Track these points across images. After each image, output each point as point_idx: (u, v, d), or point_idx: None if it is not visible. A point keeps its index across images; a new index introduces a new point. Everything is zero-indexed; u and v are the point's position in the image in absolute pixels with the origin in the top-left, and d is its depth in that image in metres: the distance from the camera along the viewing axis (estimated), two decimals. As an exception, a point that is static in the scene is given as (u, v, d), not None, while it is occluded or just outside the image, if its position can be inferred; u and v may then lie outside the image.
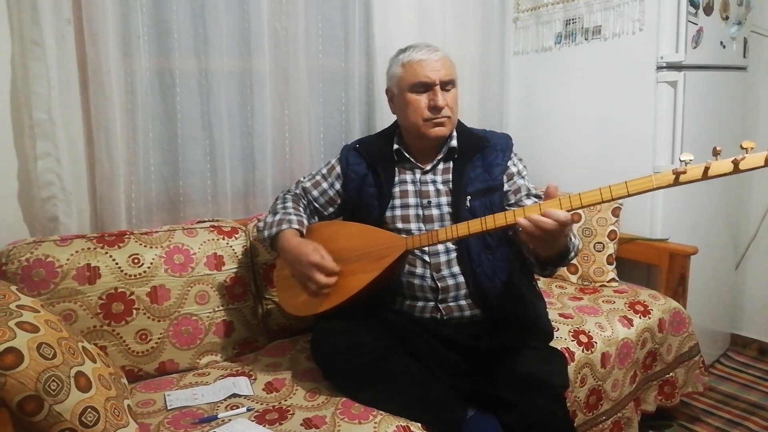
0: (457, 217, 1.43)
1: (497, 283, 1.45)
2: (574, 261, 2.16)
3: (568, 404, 1.50)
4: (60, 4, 1.50)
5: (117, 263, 1.50)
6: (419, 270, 1.46)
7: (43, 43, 1.47)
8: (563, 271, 2.20)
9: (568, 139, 2.43)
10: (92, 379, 1.08)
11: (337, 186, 1.60)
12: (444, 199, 1.48)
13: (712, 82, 2.22)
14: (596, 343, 1.70)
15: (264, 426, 1.25)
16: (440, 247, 1.45)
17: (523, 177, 1.52)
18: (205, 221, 1.76)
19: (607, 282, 2.12)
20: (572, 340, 1.68)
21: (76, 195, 1.60)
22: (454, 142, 1.50)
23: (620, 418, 1.77)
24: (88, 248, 1.49)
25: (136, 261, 1.53)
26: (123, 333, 1.49)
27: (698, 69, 2.12)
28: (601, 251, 2.14)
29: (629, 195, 1.08)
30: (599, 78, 2.29)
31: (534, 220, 1.10)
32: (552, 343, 1.54)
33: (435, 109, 1.43)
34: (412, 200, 1.50)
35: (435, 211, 1.48)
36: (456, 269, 1.45)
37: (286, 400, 1.37)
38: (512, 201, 1.49)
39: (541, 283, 2.07)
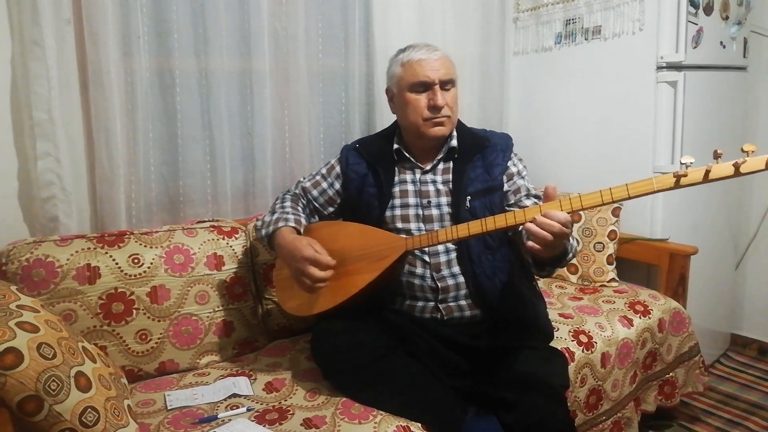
0: (456, 217, 1.43)
1: (497, 284, 1.45)
2: (574, 261, 2.16)
3: (568, 404, 1.50)
4: (60, 4, 1.50)
5: (117, 263, 1.50)
6: (419, 270, 1.46)
7: (43, 43, 1.47)
8: (563, 271, 2.20)
9: (568, 139, 2.43)
10: (92, 379, 1.08)
11: (337, 186, 1.60)
12: (444, 200, 1.48)
13: (712, 82, 2.22)
14: (596, 343, 1.70)
15: (264, 426, 1.25)
16: (440, 248, 1.45)
17: (522, 177, 1.52)
18: (205, 221, 1.76)
19: (607, 282, 2.12)
20: (572, 340, 1.68)
21: (76, 195, 1.60)
22: (454, 142, 1.50)
23: (620, 418, 1.77)
24: (88, 248, 1.49)
25: (136, 261, 1.53)
26: (123, 333, 1.49)
27: (698, 69, 2.12)
28: (601, 251, 2.14)
29: (630, 197, 1.08)
30: (599, 78, 2.29)
31: (540, 223, 1.09)
32: (552, 343, 1.54)
33: (434, 108, 1.43)
34: (412, 200, 1.50)
35: (435, 211, 1.48)
36: (456, 269, 1.45)
37: (286, 400, 1.37)
38: (512, 201, 1.49)
39: (541, 283, 2.07)
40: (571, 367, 1.59)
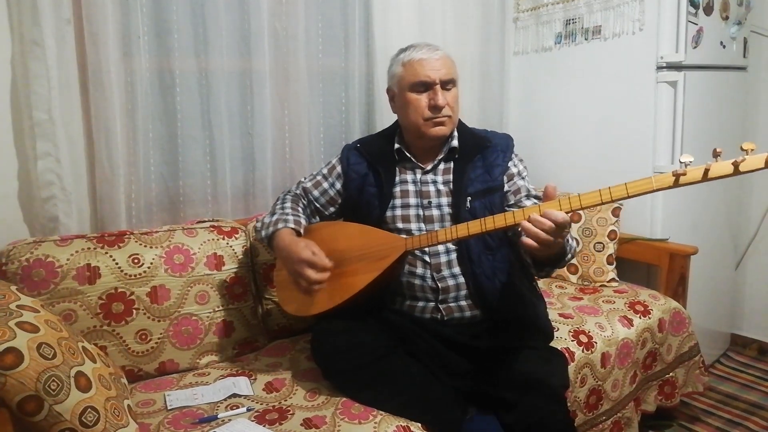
0: (457, 217, 1.43)
1: (497, 284, 1.45)
2: (574, 261, 2.16)
3: (568, 404, 1.50)
4: (60, 4, 1.50)
5: (117, 263, 1.50)
6: (419, 270, 1.46)
7: (43, 43, 1.47)
8: (563, 271, 2.20)
9: (568, 139, 2.43)
10: (92, 379, 1.08)
11: (338, 186, 1.60)
12: (444, 200, 1.48)
13: (712, 82, 2.22)
14: (596, 343, 1.70)
15: (264, 426, 1.25)
16: (440, 248, 1.45)
17: (523, 178, 1.52)
18: (205, 221, 1.76)
19: (607, 282, 2.12)
20: (572, 340, 1.67)
21: (76, 195, 1.60)
22: (455, 142, 1.50)
23: (620, 418, 1.77)
24: (88, 248, 1.49)
25: (136, 261, 1.53)
26: (123, 333, 1.49)
27: (698, 69, 2.12)
28: (601, 251, 2.13)
29: (629, 196, 1.08)
30: (599, 78, 2.29)
31: (533, 220, 1.10)
32: (552, 343, 1.54)
33: (435, 108, 1.43)
34: (412, 200, 1.49)
35: (435, 212, 1.48)
36: (456, 270, 1.45)
37: (286, 400, 1.37)
38: (512, 202, 1.49)
39: (541, 283, 2.07)
40: (571, 367, 1.59)
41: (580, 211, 2.15)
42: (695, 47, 2.09)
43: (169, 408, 1.34)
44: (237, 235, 1.72)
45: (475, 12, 2.42)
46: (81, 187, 1.61)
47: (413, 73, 1.44)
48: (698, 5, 2.07)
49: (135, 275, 1.51)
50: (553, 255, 1.22)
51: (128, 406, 1.18)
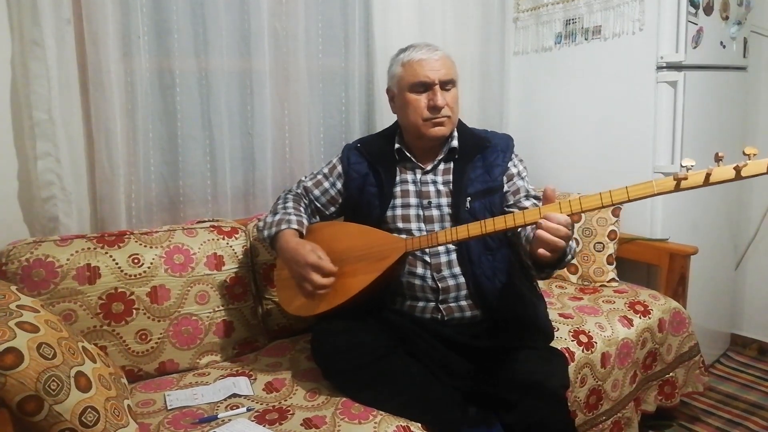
0: (456, 217, 1.43)
1: (497, 284, 1.45)
2: (574, 261, 2.16)
3: (569, 404, 1.50)
4: (60, 4, 1.50)
5: (117, 263, 1.50)
6: (420, 270, 1.46)
7: (43, 43, 1.47)
8: (563, 271, 2.20)
9: (568, 139, 2.43)
10: (92, 379, 1.08)
11: (339, 185, 1.60)
12: (444, 200, 1.48)
13: (712, 82, 2.22)
14: (596, 343, 1.70)
15: (264, 426, 1.25)
16: (441, 248, 1.45)
17: (522, 178, 1.52)
18: (205, 221, 1.76)
19: (607, 282, 2.12)
20: (572, 340, 1.67)
21: (76, 195, 1.59)
22: (454, 143, 1.50)
23: (620, 418, 1.77)
24: (88, 248, 1.49)
25: (136, 261, 1.53)
26: (123, 333, 1.49)
27: (698, 69, 2.12)
28: (601, 251, 2.13)
29: (630, 200, 1.08)
30: (599, 78, 2.29)
31: (548, 228, 1.09)
32: (552, 343, 1.54)
33: (434, 108, 1.43)
34: (413, 200, 1.50)
35: (435, 212, 1.48)
36: (456, 270, 1.45)
37: (286, 400, 1.37)
38: (511, 202, 1.48)
39: (541, 283, 2.06)
40: (571, 367, 1.59)
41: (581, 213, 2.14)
42: (695, 47, 2.09)
43: (169, 408, 1.34)
44: (237, 235, 1.72)
45: (475, 12, 2.42)
46: (81, 187, 1.61)
47: (413, 74, 1.44)
48: (698, 5, 2.07)
49: (135, 275, 1.51)
50: (555, 257, 1.22)
51: (128, 406, 1.18)
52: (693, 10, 2.05)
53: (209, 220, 1.77)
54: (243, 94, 1.92)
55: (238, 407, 1.34)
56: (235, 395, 1.40)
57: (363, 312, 1.43)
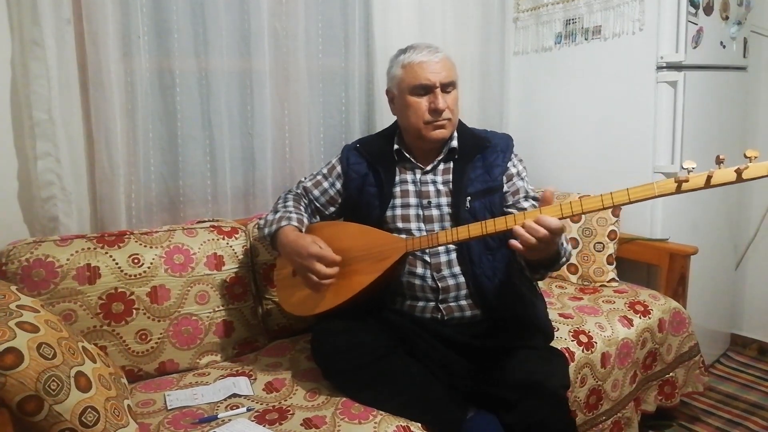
0: (456, 217, 1.43)
1: (497, 284, 1.45)
2: (574, 261, 2.16)
3: (569, 404, 1.50)
4: (60, 4, 1.50)
5: (117, 263, 1.50)
6: (420, 270, 1.46)
7: (43, 43, 1.47)
8: (563, 271, 2.20)
9: (568, 139, 2.43)
10: (92, 379, 1.08)
11: (338, 185, 1.60)
12: (444, 200, 1.48)
13: (712, 82, 2.22)
14: (596, 343, 1.70)
15: (264, 426, 1.25)
16: (441, 248, 1.45)
17: (522, 178, 1.52)
18: (205, 221, 1.76)
19: (607, 282, 2.12)
20: (572, 340, 1.67)
21: (76, 195, 1.60)
22: (454, 143, 1.50)
23: (620, 418, 1.77)
24: (88, 248, 1.49)
25: (136, 261, 1.53)
26: (123, 333, 1.49)
27: (698, 69, 2.11)
28: (601, 251, 2.13)
29: (630, 202, 1.08)
30: (599, 78, 2.29)
31: (527, 227, 1.10)
32: (552, 343, 1.54)
33: (435, 112, 1.42)
34: (412, 200, 1.49)
35: (435, 212, 1.48)
36: (456, 269, 1.45)
37: (286, 400, 1.37)
38: (510, 202, 1.49)
39: (542, 283, 2.06)
40: (571, 367, 1.59)
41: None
42: (695, 47, 2.09)
43: (169, 408, 1.34)
44: (237, 235, 1.72)
45: (475, 12, 2.42)
46: (81, 187, 1.61)
47: (413, 76, 1.43)
48: (698, 5, 2.07)
49: (135, 275, 1.51)
50: (546, 259, 1.22)
51: (128, 406, 1.18)
52: (693, 10, 2.05)
53: (209, 220, 1.77)
54: (243, 94, 1.92)
55: (238, 407, 1.34)
56: (235, 395, 1.40)
57: (363, 312, 1.43)
